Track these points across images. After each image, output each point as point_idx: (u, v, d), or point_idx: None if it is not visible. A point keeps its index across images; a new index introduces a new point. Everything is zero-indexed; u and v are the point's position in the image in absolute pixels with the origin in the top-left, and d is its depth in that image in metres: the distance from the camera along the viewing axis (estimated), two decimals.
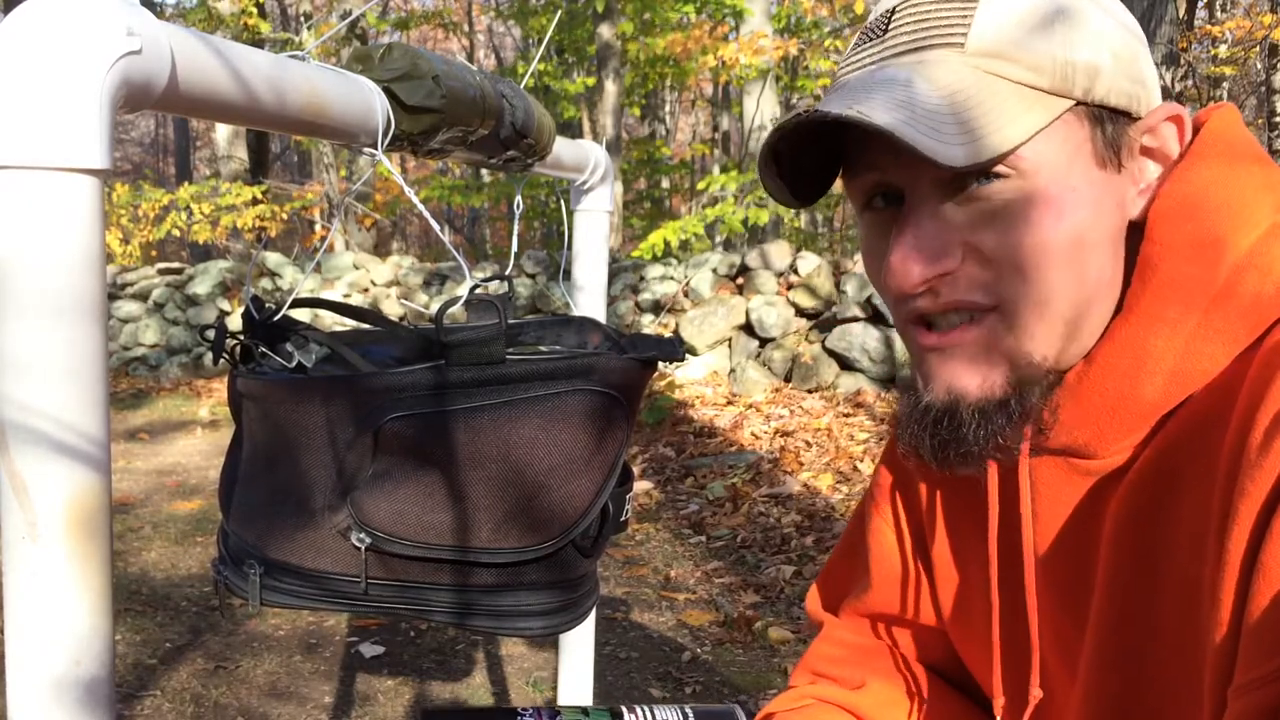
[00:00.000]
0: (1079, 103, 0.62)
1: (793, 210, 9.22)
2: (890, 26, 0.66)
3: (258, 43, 10.20)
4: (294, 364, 0.79)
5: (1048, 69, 0.62)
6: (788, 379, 6.26)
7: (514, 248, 0.99)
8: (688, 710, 0.80)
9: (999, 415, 0.65)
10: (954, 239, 0.64)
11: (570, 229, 1.21)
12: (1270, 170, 0.65)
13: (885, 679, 0.88)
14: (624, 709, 0.82)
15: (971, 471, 0.69)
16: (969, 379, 0.65)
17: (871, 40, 0.67)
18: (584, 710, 0.82)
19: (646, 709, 0.82)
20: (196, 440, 6.38)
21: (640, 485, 4.79)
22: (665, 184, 14.16)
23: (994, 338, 0.65)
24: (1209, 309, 0.62)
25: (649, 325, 6.91)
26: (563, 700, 1.26)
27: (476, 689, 2.83)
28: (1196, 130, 0.67)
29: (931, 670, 0.89)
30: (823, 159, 0.70)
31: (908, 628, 0.89)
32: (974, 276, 0.64)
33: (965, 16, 0.63)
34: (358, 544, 0.74)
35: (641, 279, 7.33)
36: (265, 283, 8.70)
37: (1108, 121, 0.64)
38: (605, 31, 9.52)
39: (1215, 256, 0.62)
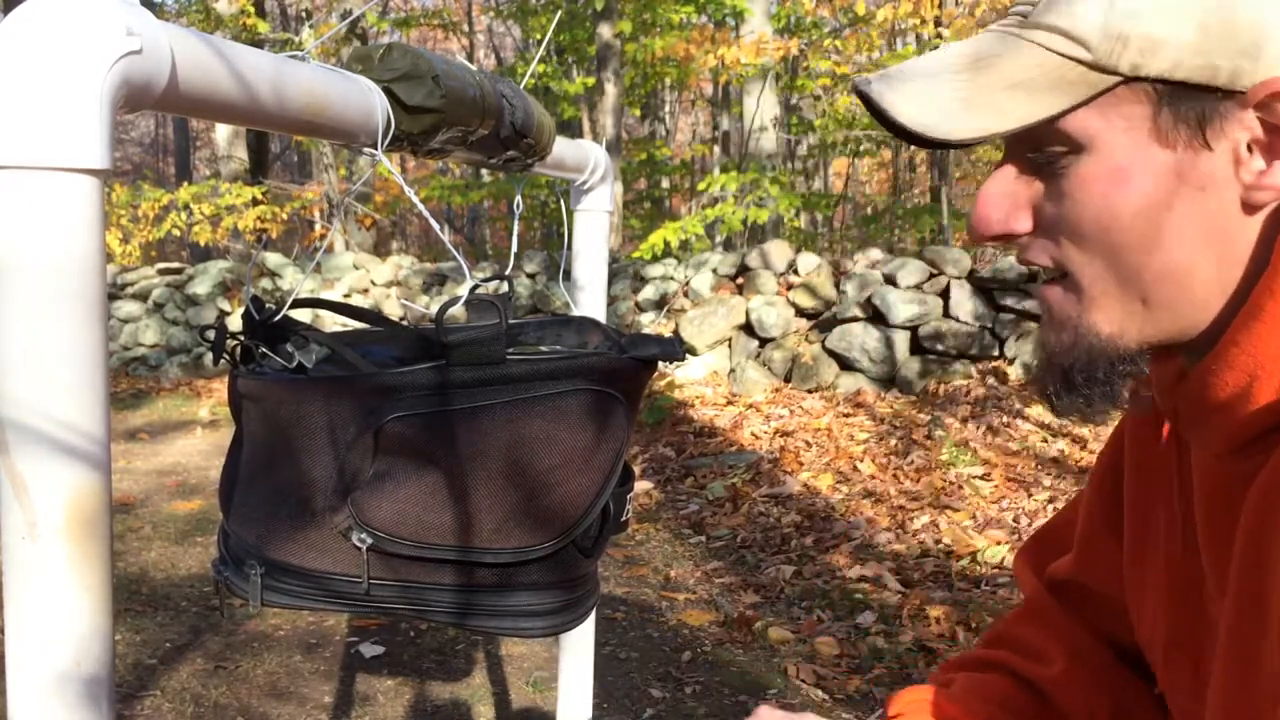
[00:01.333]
0: (1129, 79, 0.60)
1: (793, 210, 9.22)
2: None
3: (257, 43, 10.20)
4: (294, 364, 0.79)
5: (1094, 42, 0.60)
6: (788, 379, 6.26)
7: (514, 248, 0.99)
8: None
9: (1056, 377, 0.67)
10: (1026, 202, 0.65)
11: (570, 229, 1.21)
12: None
13: (1073, 659, 0.88)
14: None
15: (1072, 416, 0.70)
16: (1049, 334, 0.68)
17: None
18: None
19: None
20: (196, 440, 6.38)
21: (640, 485, 4.79)
22: (665, 184, 14.16)
23: (1065, 302, 0.66)
24: None
25: (649, 325, 6.90)
26: (561, 700, 1.25)
27: (476, 689, 2.83)
28: None
29: (1114, 647, 0.89)
30: None
31: (1098, 599, 0.89)
32: (1043, 243, 0.66)
33: None
34: (359, 544, 0.74)
35: (641, 279, 7.33)
36: (265, 283, 8.70)
37: (1181, 98, 0.59)
38: (605, 31, 9.52)
39: None
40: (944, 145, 0.62)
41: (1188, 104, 0.60)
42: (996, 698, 0.88)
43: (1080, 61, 0.60)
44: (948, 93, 0.62)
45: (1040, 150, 0.63)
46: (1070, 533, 0.93)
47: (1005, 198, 0.66)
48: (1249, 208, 0.61)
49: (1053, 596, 0.93)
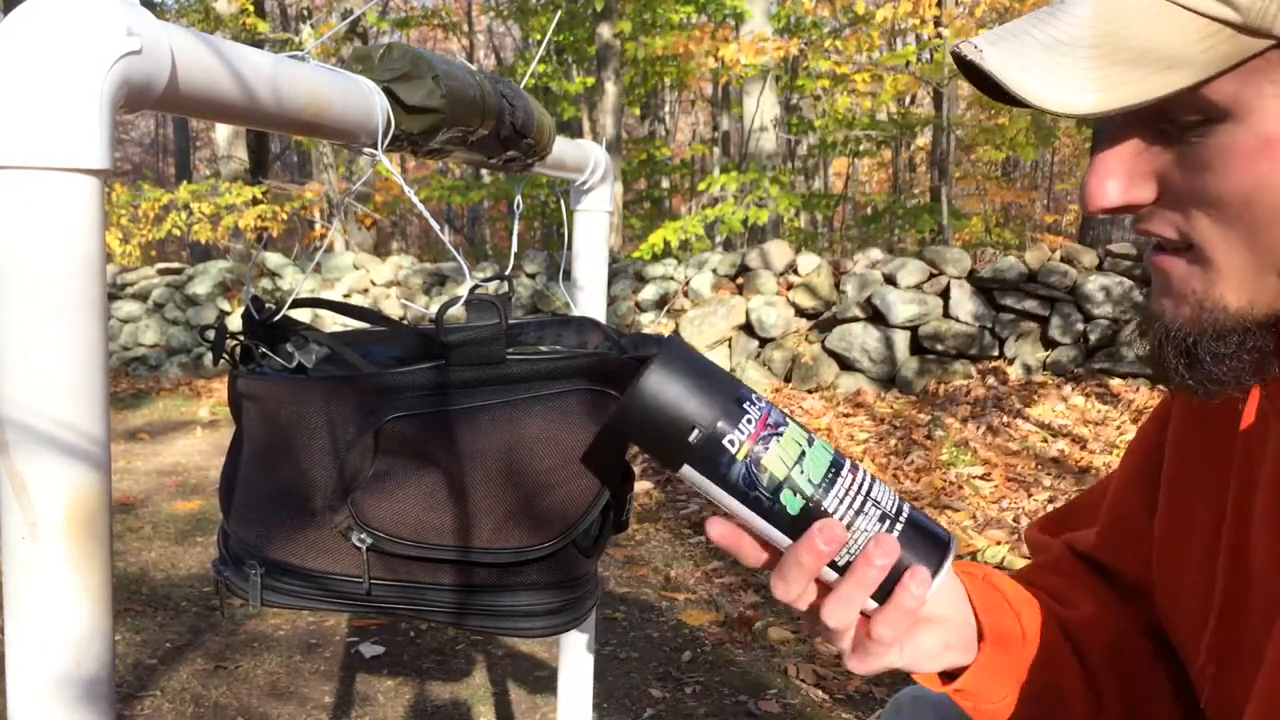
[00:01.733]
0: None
1: (793, 210, 9.22)
2: None
3: (257, 43, 10.20)
4: (294, 364, 0.79)
5: (1244, 3, 0.55)
6: (788, 379, 6.26)
7: (514, 248, 0.99)
8: (904, 511, 0.66)
9: (1177, 350, 0.63)
10: (1150, 172, 0.62)
11: (570, 229, 1.21)
12: None
13: (1100, 608, 0.85)
14: (845, 466, 0.65)
15: (1181, 391, 0.67)
16: (1165, 304, 0.64)
17: None
18: (806, 440, 0.65)
19: (862, 483, 0.66)
20: (196, 440, 6.38)
21: (640, 485, 4.79)
22: (665, 184, 14.16)
23: (1189, 275, 0.62)
24: None
25: (649, 325, 6.90)
26: (561, 700, 1.25)
27: (476, 689, 2.83)
28: None
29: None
30: None
31: (1118, 579, 0.87)
32: (1170, 215, 0.62)
33: None
34: (358, 544, 0.74)
35: (641, 279, 7.33)
36: (265, 283, 8.70)
37: None
38: (605, 31, 9.52)
39: None
40: (1071, 116, 0.58)
41: None
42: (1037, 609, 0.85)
43: (1227, 23, 0.55)
44: (1071, 61, 0.57)
45: (1172, 119, 0.59)
46: (1093, 514, 0.91)
47: (1125, 166, 0.62)
48: None
49: (1074, 558, 0.91)
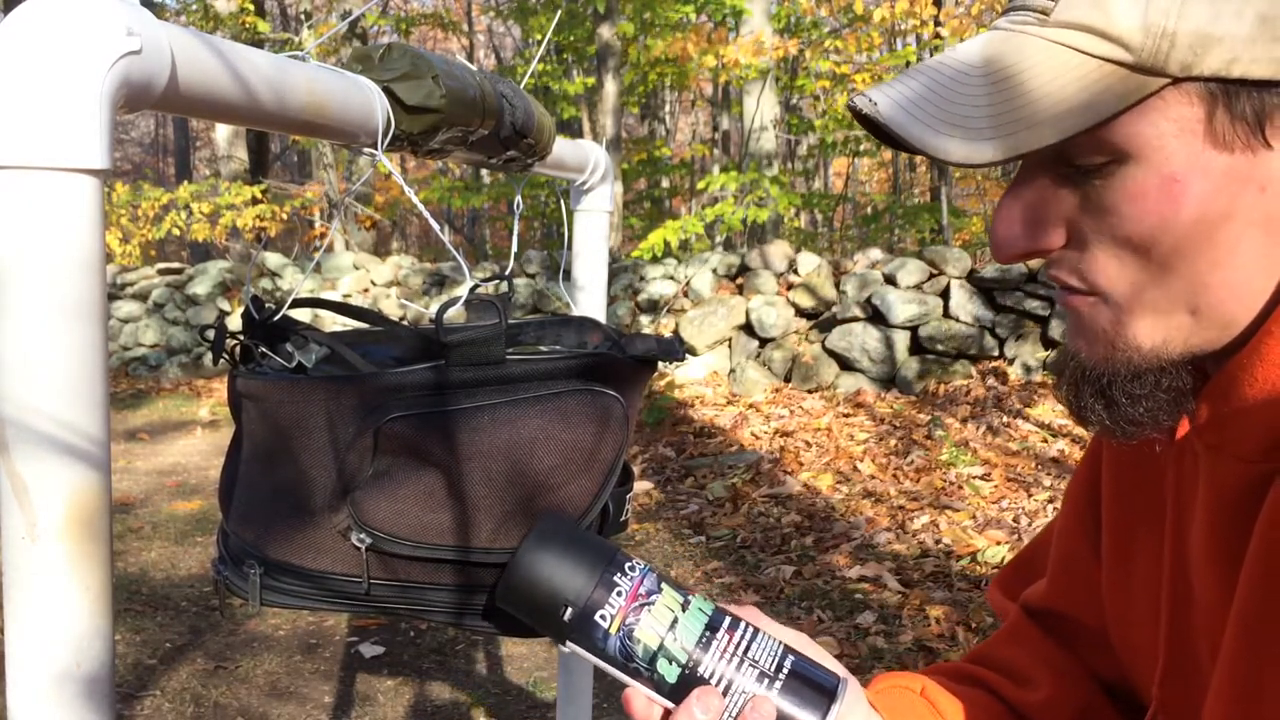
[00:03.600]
0: (1178, 80, 0.54)
1: (792, 210, 9.21)
2: None
3: (257, 43, 10.20)
4: (294, 364, 0.79)
5: (1135, 43, 0.54)
6: (788, 379, 6.26)
7: (514, 248, 0.99)
8: (786, 663, 0.65)
9: (1089, 390, 0.63)
10: (1056, 216, 0.60)
11: (570, 229, 1.21)
12: None
13: (1058, 685, 0.83)
14: (722, 626, 0.66)
15: (1100, 433, 0.65)
16: (1080, 344, 0.63)
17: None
18: (680, 603, 0.66)
19: (740, 643, 0.65)
20: (196, 440, 6.38)
21: (640, 485, 4.79)
22: (665, 184, 14.16)
23: (1098, 315, 0.61)
24: None
25: (649, 325, 6.90)
26: (561, 700, 1.25)
27: (476, 689, 2.83)
28: None
29: (1096, 679, 0.84)
30: None
31: (1075, 628, 0.85)
32: (1074, 262, 0.61)
33: None
34: (358, 544, 0.74)
35: (641, 279, 7.33)
36: (265, 283, 8.70)
37: (1238, 96, 0.55)
38: (605, 31, 9.52)
39: None
40: (972, 167, 0.56)
41: (1244, 101, 0.55)
42: (980, 715, 0.84)
43: (1120, 64, 0.54)
44: (966, 112, 0.56)
45: (1074, 163, 0.58)
46: (1044, 560, 0.89)
47: (1030, 213, 0.61)
48: None
49: (1032, 622, 0.89)
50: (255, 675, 2.91)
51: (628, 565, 0.67)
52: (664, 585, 0.67)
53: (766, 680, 0.65)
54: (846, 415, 5.60)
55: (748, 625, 0.67)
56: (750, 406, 5.92)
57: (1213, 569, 0.65)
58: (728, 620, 0.66)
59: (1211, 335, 0.60)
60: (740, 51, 8.71)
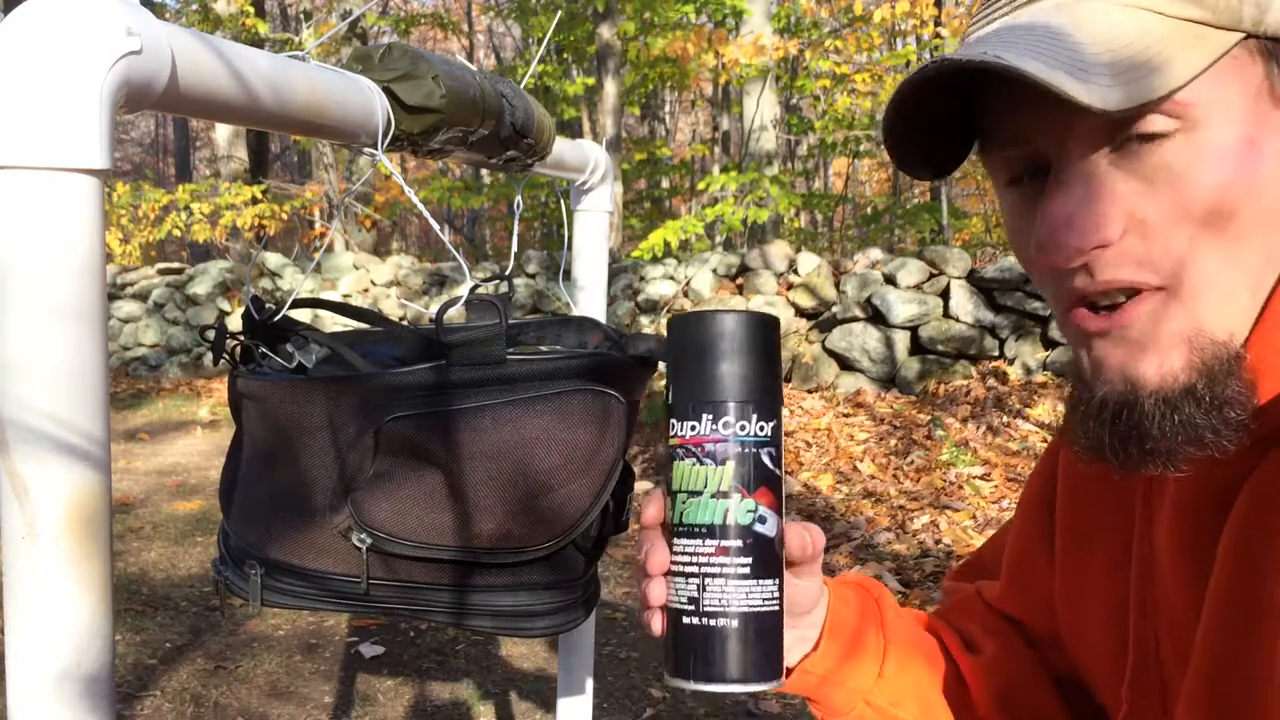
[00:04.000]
0: (1249, 35, 0.53)
1: (792, 210, 9.21)
2: None
3: (257, 43, 10.20)
4: (294, 364, 0.79)
5: (1209, 0, 0.53)
6: (788, 379, 6.26)
7: (514, 248, 0.99)
8: None
9: (1187, 405, 0.55)
10: (1113, 207, 0.55)
11: (570, 229, 1.21)
12: None
13: (1002, 649, 0.82)
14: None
15: (1165, 470, 0.58)
16: (1145, 365, 0.56)
17: None
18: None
19: None
20: (196, 440, 6.38)
21: (640, 485, 4.79)
22: (665, 184, 14.16)
23: (1165, 316, 0.55)
24: None
25: (649, 325, 6.90)
26: (561, 700, 1.25)
27: (476, 689, 2.83)
28: None
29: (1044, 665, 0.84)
30: (957, 127, 0.62)
31: (1027, 631, 0.84)
32: (1136, 252, 0.55)
33: None
34: (358, 544, 0.74)
35: (641, 279, 7.33)
36: (265, 283, 8.70)
37: None
38: (605, 32, 9.52)
39: None
40: (1104, 111, 0.51)
41: None
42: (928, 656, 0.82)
43: (1197, 22, 0.53)
44: (1083, 59, 0.52)
45: (1142, 132, 0.54)
46: (996, 563, 0.89)
47: (1081, 209, 0.55)
48: None
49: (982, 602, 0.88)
50: (255, 675, 2.91)
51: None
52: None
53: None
54: (846, 415, 5.60)
55: None
56: None
57: (1181, 568, 0.63)
58: None
59: (1251, 319, 0.56)
60: (740, 51, 8.71)
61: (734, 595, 0.60)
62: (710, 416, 0.61)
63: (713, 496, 0.61)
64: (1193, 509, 0.62)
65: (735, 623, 0.60)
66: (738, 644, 0.60)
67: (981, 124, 0.61)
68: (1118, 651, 0.71)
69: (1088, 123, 0.53)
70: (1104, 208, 0.55)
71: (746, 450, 0.61)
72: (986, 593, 0.88)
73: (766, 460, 0.61)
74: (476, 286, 0.78)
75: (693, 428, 0.61)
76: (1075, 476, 0.77)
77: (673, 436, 0.61)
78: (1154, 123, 0.53)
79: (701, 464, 0.61)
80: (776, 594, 0.61)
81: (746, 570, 0.61)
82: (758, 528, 0.61)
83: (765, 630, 0.61)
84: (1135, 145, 0.54)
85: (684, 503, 0.61)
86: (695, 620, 0.61)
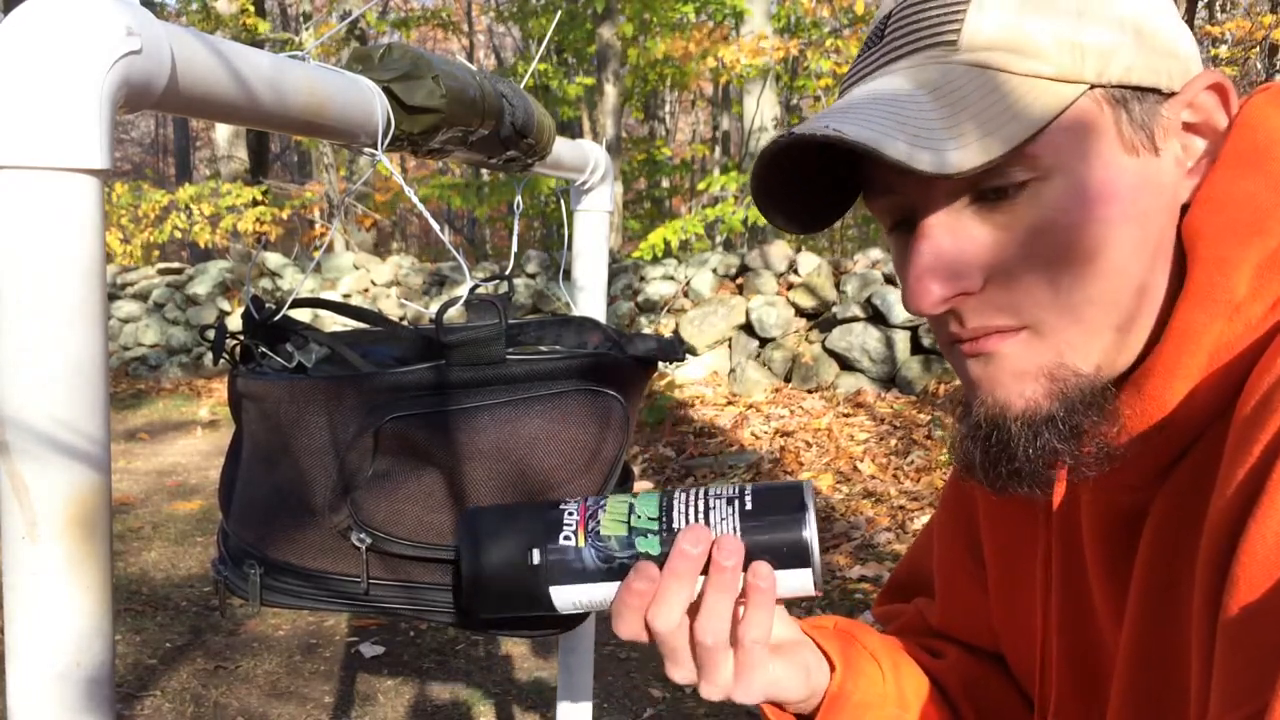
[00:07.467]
0: (1093, 86, 0.56)
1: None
2: (885, 32, 0.61)
3: (257, 43, 10.20)
4: (294, 364, 0.79)
5: (1051, 55, 0.56)
6: (788, 379, 6.26)
7: (514, 248, 0.99)
8: (746, 487, 0.65)
9: (1047, 431, 0.59)
10: (973, 258, 0.58)
11: (570, 229, 1.21)
12: None
13: (961, 652, 0.85)
14: (675, 490, 0.67)
15: (1026, 493, 0.62)
16: (1012, 391, 0.60)
17: (870, 49, 0.63)
18: (630, 496, 0.67)
19: (698, 490, 0.66)
20: (196, 440, 6.38)
21: (640, 485, 4.79)
22: (665, 184, 14.16)
23: (1030, 352, 0.59)
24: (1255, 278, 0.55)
25: (649, 325, 6.90)
26: (561, 700, 1.26)
27: (476, 689, 2.83)
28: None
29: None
30: (840, 178, 0.65)
31: (961, 647, 0.86)
32: (999, 300, 0.58)
33: (958, 11, 0.58)
34: (358, 544, 0.74)
35: (641, 279, 7.33)
36: (265, 283, 8.70)
37: (1133, 102, 0.57)
38: (605, 32, 9.52)
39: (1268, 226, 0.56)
40: (956, 175, 0.54)
41: (1140, 108, 0.57)
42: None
43: (1041, 77, 0.56)
44: (928, 123, 0.55)
45: (997, 185, 0.57)
46: (920, 582, 0.90)
47: (950, 258, 0.58)
48: (1173, 212, 0.59)
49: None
50: (255, 675, 2.91)
51: (562, 502, 0.68)
52: (607, 495, 0.69)
53: (735, 504, 0.65)
54: (847, 415, 5.60)
55: (697, 485, 0.67)
56: (750, 406, 5.92)
57: (1106, 592, 0.65)
58: (678, 489, 0.68)
59: (1132, 353, 0.59)
60: (740, 51, 8.71)
61: (728, 486, 0.67)
62: (560, 505, 0.68)
63: (633, 496, 0.68)
64: (1108, 541, 0.64)
65: (748, 488, 0.66)
66: (765, 486, 0.66)
67: (863, 180, 0.65)
68: (1044, 669, 0.73)
69: (945, 179, 0.55)
70: (965, 259, 0.58)
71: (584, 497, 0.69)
72: (929, 616, 0.90)
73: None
74: (476, 286, 0.78)
75: (569, 514, 0.67)
76: (992, 501, 0.78)
77: (575, 537, 0.66)
78: (1008, 174, 0.56)
79: (601, 507, 0.67)
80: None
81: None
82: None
83: None
84: (993, 197, 0.57)
85: (637, 519, 0.66)
86: (749, 498, 0.65)
